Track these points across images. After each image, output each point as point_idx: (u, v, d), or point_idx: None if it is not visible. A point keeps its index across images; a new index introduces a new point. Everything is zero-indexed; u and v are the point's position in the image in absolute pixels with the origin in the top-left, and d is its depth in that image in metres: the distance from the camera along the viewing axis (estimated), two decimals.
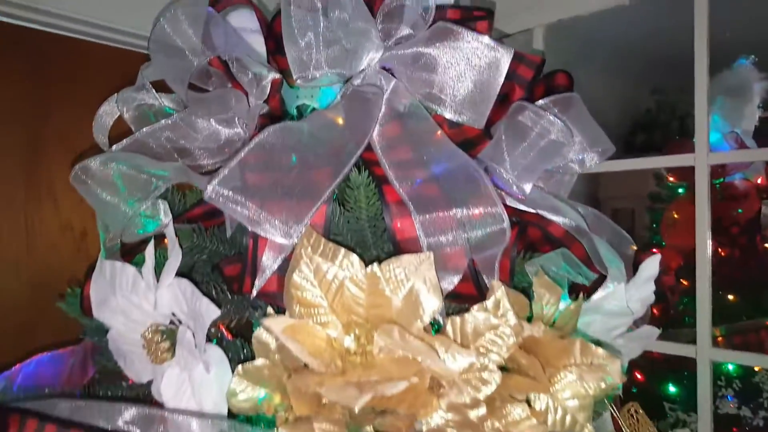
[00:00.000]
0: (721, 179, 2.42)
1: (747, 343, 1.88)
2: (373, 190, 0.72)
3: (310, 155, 0.72)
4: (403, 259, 0.64)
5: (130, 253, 0.90)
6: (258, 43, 0.95)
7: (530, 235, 0.96)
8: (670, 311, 1.24)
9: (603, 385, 0.66)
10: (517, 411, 0.64)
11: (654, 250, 2.46)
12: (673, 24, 1.93)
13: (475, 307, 0.66)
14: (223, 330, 0.87)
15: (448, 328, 0.66)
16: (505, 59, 0.78)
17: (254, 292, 0.71)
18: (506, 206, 0.91)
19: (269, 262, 0.69)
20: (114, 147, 0.87)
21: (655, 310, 0.96)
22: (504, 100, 0.95)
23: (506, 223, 0.70)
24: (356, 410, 0.55)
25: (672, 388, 1.99)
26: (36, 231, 1.49)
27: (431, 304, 0.62)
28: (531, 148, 0.86)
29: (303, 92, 0.94)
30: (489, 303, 0.66)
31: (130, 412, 0.70)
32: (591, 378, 0.66)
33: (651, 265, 0.89)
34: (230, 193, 0.66)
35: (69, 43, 1.55)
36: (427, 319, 0.63)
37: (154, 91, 0.92)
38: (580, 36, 2.17)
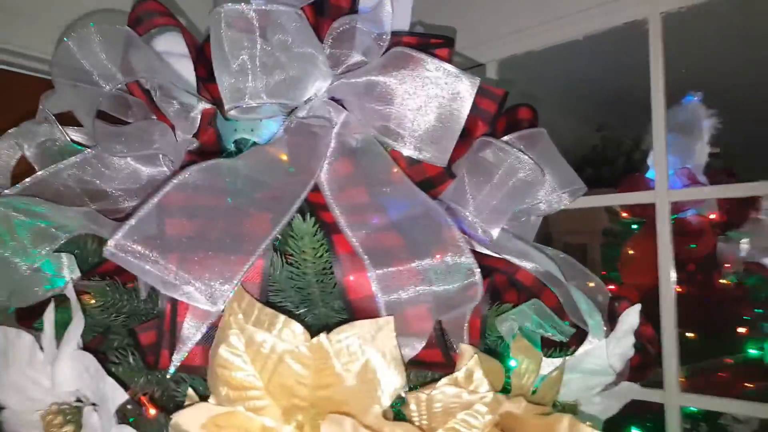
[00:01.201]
0: (674, 215, 2.41)
1: (711, 384, 1.82)
2: (320, 240, 0.60)
3: (245, 199, 0.60)
4: (357, 326, 0.52)
5: (29, 317, 0.76)
6: (187, 70, 0.82)
7: (497, 283, 0.87)
8: (651, 362, 1.16)
9: None
10: None
11: (611, 287, 2.43)
12: (624, 60, 1.91)
13: (444, 380, 0.55)
14: (145, 403, 0.73)
15: (412, 406, 0.54)
16: (470, 90, 0.69)
17: (172, 369, 0.57)
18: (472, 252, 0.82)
19: (191, 331, 0.57)
20: (8, 190, 0.73)
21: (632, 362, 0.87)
22: (466, 135, 0.86)
23: (477, 277, 0.59)
24: None
25: None
26: None
27: (392, 383, 0.51)
28: (498, 188, 0.77)
29: (241, 125, 0.82)
30: (460, 374, 0.55)
31: None
32: None
33: (631, 318, 0.80)
34: (139, 248, 0.53)
35: None
36: (386, 402, 0.51)
37: (58, 124, 0.78)
38: (532, 71, 2.14)
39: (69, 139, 0.79)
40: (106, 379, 0.58)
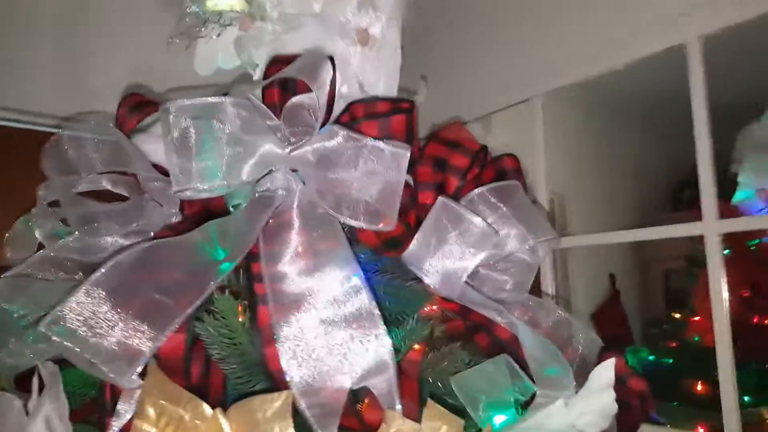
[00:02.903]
0: (757, 240, 2.23)
1: None
2: (244, 320, 0.64)
3: (173, 275, 0.65)
4: (254, 400, 0.54)
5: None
6: None
7: (478, 342, 0.86)
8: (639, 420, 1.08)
9: None
10: None
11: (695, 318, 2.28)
12: (669, 86, 1.82)
13: None
14: None
15: None
16: (402, 157, 0.71)
17: None
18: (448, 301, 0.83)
19: (123, 407, 0.62)
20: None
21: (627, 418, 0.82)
22: (437, 191, 0.87)
23: (389, 353, 0.60)
24: None
25: None
26: None
27: None
28: (453, 248, 0.77)
29: (237, 193, 0.88)
30: None
31: None
32: None
33: (604, 373, 0.76)
34: (68, 327, 0.58)
35: None
36: None
37: (52, 213, 0.89)
38: (580, 101, 2.09)
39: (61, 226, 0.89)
40: None
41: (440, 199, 0.79)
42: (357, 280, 0.66)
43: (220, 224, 0.72)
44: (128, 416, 0.62)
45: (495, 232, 0.76)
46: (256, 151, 0.76)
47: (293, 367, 0.60)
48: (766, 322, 1.98)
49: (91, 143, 0.82)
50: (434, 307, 0.84)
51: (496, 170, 0.94)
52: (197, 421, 0.54)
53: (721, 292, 1.39)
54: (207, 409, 0.55)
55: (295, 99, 0.78)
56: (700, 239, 2.50)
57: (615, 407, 0.78)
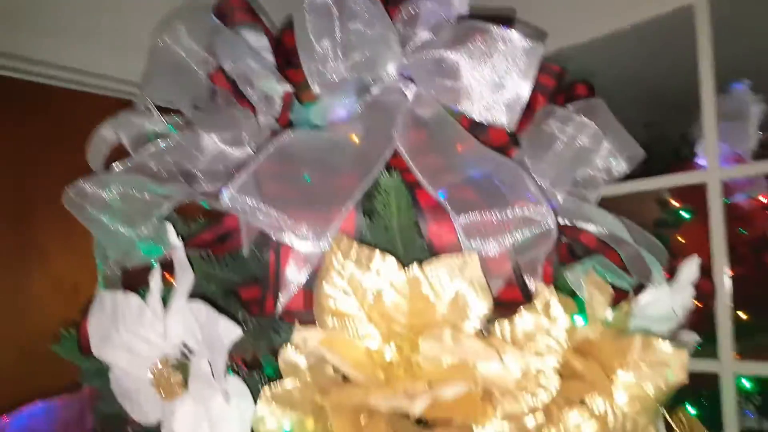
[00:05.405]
0: (726, 200, 2.39)
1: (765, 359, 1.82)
2: (406, 194, 0.66)
3: (334, 160, 0.67)
4: (445, 260, 0.58)
5: (131, 288, 0.83)
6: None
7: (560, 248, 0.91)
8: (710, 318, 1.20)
9: (664, 384, 0.60)
10: (576, 416, 0.58)
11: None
12: (672, 51, 1.92)
13: (524, 309, 0.60)
14: (240, 363, 0.79)
15: (497, 332, 0.59)
16: (537, 54, 0.74)
17: (279, 310, 0.64)
18: None
19: (294, 275, 0.63)
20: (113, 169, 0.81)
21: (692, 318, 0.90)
22: (528, 109, 0.91)
23: (552, 222, 0.64)
24: (415, 413, 0.48)
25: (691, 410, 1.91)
26: (24, 288, 1.40)
27: (480, 308, 0.56)
28: (560, 155, 0.82)
29: (315, 112, 0.90)
30: (538, 304, 0.60)
31: None
32: (652, 377, 0.60)
33: (691, 269, 0.83)
34: (250, 199, 0.60)
35: (56, 93, 1.48)
36: (476, 325, 0.56)
37: (157, 111, 0.86)
38: (579, 65, 2.16)
39: (165, 126, 0.87)
40: (219, 319, 0.64)
41: (545, 107, 0.84)
42: (505, 160, 0.69)
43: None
44: (295, 288, 0.63)
45: (602, 137, 0.81)
46: (381, 54, 0.78)
47: (463, 239, 0.63)
48: (733, 274, 2.13)
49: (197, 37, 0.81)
50: None
51: (568, 97, 0.99)
52: (392, 280, 0.57)
53: (721, 237, 1.49)
54: (402, 269, 0.57)
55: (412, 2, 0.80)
56: (667, 203, 2.63)
57: (692, 303, 0.86)
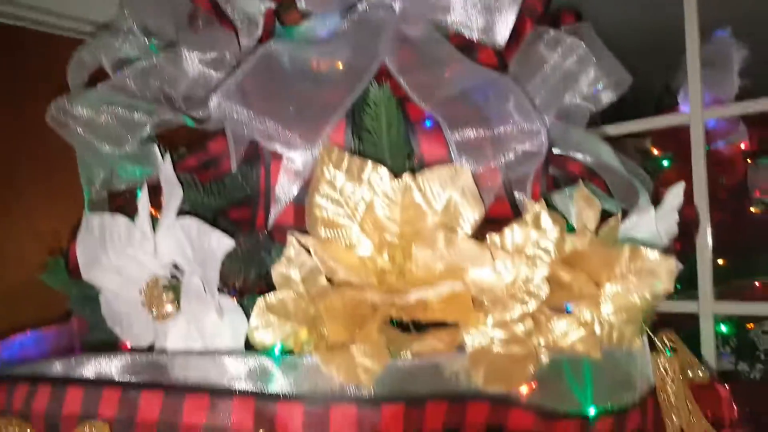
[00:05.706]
0: (707, 147, 2.42)
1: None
2: (396, 107, 0.66)
3: (320, 74, 0.66)
4: (437, 170, 0.58)
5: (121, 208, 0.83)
6: None
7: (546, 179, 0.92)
8: (694, 245, 1.24)
9: (650, 294, 0.61)
10: (563, 323, 0.59)
11: None
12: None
13: (513, 222, 0.61)
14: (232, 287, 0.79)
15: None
16: None
17: (270, 224, 0.64)
18: None
19: (285, 188, 0.63)
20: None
21: (677, 245, 0.92)
22: (516, 34, 0.90)
23: (545, 136, 0.64)
24: (408, 304, 0.49)
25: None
26: (8, 240, 1.39)
27: (472, 216, 0.57)
28: (548, 78, 0.81)
29: (299, 35, 0.88)
30: (528, 218, 0.61)
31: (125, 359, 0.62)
32: (639, 286, 0.61)
33: (675, 194, 0.84)
34: (238, 106, 0.59)
35: (43, 38, 1.44)
36: (468, 232, 0.57)
37: (136, 29, 0.84)
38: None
39: (147, 45, 0.84)
40: (211, 232, 0.64)
41: (535, 29, 0.83)
42: (496, 75, 0.69)
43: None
44: (285, 201, 0.63)
45: (592, 59, 0.81)
46: None
47: (455, 153, 0.63)
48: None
49: None
50: None
51: (554, 26, 0.98)
52: (384, 189, 0.57)
53: (703, 179, 1.52)
54: (393, 178, 0.57)
55: None
56: (648, 152, 2.64)
57: (677, 229, 0.87)
